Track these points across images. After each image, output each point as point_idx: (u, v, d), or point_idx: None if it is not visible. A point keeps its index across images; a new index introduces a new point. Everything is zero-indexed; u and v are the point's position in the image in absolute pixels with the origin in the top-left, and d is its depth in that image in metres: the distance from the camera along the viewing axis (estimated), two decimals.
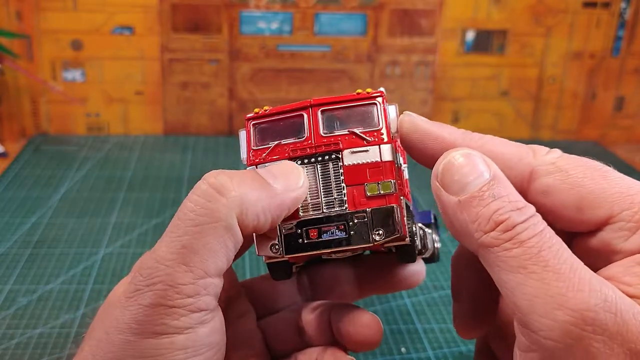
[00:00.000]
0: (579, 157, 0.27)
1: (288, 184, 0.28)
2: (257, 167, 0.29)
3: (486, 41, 0.83)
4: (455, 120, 0.86)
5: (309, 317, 0.34)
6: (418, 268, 0.36)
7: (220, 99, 0.83)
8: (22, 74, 0.78)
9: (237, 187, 0.26)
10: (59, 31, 0.78)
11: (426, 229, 0.35)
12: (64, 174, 0.71)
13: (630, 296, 0.24)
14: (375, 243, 0.28)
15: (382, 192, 0.28)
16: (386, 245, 0.29)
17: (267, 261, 0.30)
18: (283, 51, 0.81)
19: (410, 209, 0.31)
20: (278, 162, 0.29)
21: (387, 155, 0.28)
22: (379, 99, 0.29)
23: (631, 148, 0.88)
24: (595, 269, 0.25)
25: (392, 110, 0.29)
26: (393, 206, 0.28)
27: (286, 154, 0.29)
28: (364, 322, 0.32)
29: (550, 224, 0.25)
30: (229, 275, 0.34)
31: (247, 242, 0.34)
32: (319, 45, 0.81)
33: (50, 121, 0.81)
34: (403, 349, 0.46)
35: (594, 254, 0.27)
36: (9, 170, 0.71)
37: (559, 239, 0.24)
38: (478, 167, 0.26)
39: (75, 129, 0.82)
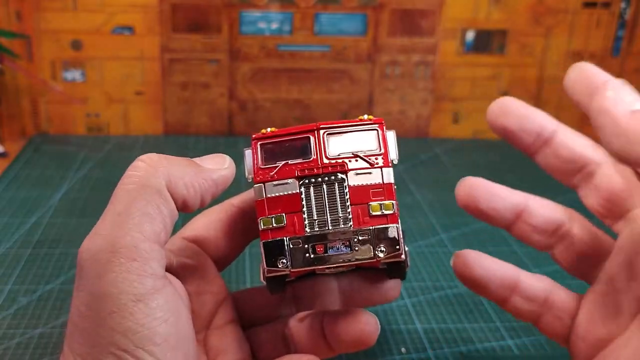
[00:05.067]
0: None
1: (214, 165, 0.31)
2: (265, 185, 0.31)
3: (486, 41, 0.83)
4: (455, 121, 0.86)
5: (298, 324, 0.34)
6: (395, 283, 0.36)
7: (220, 99, 0.83)
8: (22, 74, 0.78)
9: (166, 162, 0.29)
10: (59, 31, 0.78)
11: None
12: (64, 174, 0.71)
13: None
14: (378, 259, 0.30)
15: (384, 212, 0.30)
16: (385, 261, 0.30)
17: (269, 275, 0.31)
18: (283, 51, 0.81)
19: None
20: (209, 154, 0.32)
21: (388, 178, 0.31)
22: (380, 126, 0.32)
23: None
24: None
25: (391, 136, 0.32)
26: (395, 226, 0.30)
27: (294, 173, 0.31)
28: (363, 319, 0.32)
29: None
30: (218, 281, 0.34)
31: (239, 246, 0.35)
32: (319, 45, 0.81)
33: (50, 121, 0.81)
34: (403, 349, 0.46)
35: None
36: (9, 170, 0.71)
37: None
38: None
39: (75, 129, 0.82)
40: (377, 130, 0.32)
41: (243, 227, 0.35)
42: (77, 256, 0.28)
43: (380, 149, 0.31)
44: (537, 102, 0.86)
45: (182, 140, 0.82)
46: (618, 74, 0.86)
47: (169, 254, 0.32)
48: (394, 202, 0.30)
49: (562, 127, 0.34)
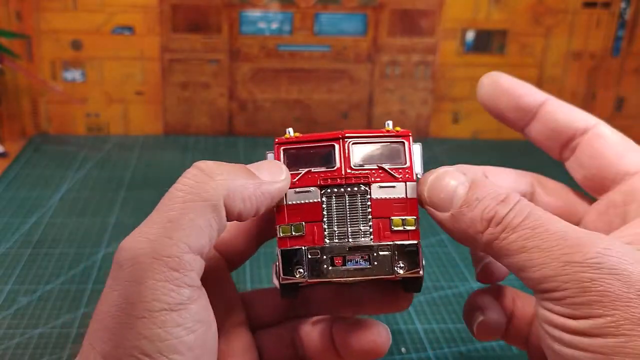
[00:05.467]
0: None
1: (272, 176, 0.30)
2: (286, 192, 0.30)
3: (486, 41, 0.83)
4: (455, 121, 0.86)
5: (309, 330, 0.34)
6: (409, 295, 0.35)
7: (220, 99, 0.83)
8: (22, 74, 0.78)
9: (225, 172, 0.28)
10: (59, 31, 0.78)
11: None
12: (64, 174, 0.71)
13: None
14: (397, 275, 0.30)
15: (406, 227, 0.30)
16: (403, 277, 0.30)
17: (284, 282, 0.31)
18: (283, 51, 0.81)
19: None
20: (264, 161, 0.31)
21: (412, 193, 0.30)
22: (407, 139, 0.31)
23: None
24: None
25: (417, 149, 0.31)
26: (416, 243, 0.30)
27: (316, 182, 0.30)
28: (375, 330, 0.32)
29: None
30: (230, 284, 0.34)
31: (252, 248, 0.35)
32: (319, 45, 0.81)
33: (50, 121, 0.81)
34: (403, 349, 0.46)
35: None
36: (9, 170, 0.71)
37: (547, 213, 0.27)
38: (458, 179, 0.29)
39: (75, 129, 0.82)
40: (404, 143, 0.31)
41: (258, 229, 0.35)
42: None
43: (406, 162, 0.31)
44: None
45: (182, 140, 0.82)
46: (618, 73, 0.86)
47: None
48: (416, 217, 0.30)
49: (550, 99, 0.35)
